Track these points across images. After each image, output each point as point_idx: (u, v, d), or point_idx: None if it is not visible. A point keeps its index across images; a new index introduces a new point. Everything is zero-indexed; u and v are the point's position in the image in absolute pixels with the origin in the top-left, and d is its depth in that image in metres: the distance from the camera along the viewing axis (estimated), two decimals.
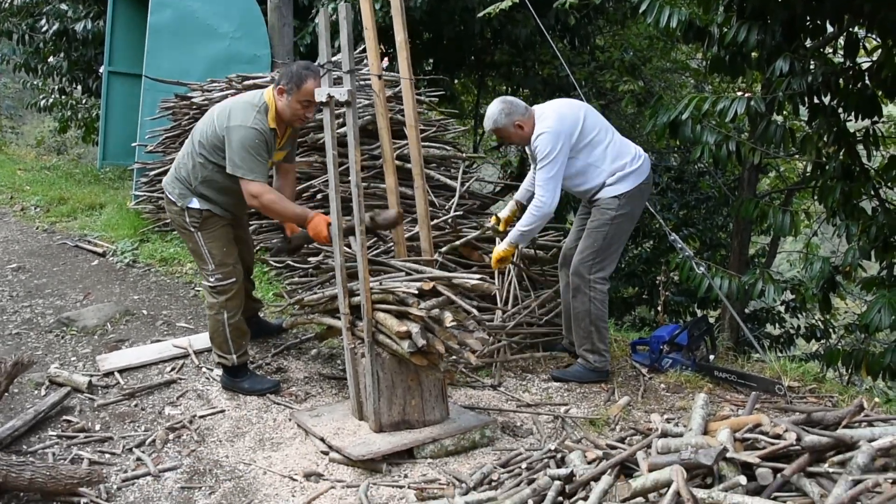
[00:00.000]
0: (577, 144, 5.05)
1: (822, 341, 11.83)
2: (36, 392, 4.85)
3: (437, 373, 4.14)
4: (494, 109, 5.10)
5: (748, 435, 3.25)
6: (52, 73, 14.60)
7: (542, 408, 4.81)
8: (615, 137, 5.23)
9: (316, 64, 4.44)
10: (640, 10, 7.21)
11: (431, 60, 12.74)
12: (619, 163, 5.12)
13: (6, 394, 4.55)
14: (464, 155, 7.26)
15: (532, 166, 5.32)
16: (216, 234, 4.78)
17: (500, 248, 5.26)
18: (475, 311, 4.19)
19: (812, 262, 6.93)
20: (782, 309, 12.20)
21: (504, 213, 5.66)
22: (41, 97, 15.76)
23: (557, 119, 5.01)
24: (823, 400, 5.01)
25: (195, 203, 4.72)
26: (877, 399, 4.65)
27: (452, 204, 6.58)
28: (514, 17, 9.95)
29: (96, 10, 12.84)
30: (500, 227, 5.62)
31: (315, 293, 4.88)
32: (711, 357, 5.59)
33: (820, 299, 7.05)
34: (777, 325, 12.51)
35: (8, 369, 4.40)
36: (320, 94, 4.16)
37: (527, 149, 5.29)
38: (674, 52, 13.78)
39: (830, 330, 11.81)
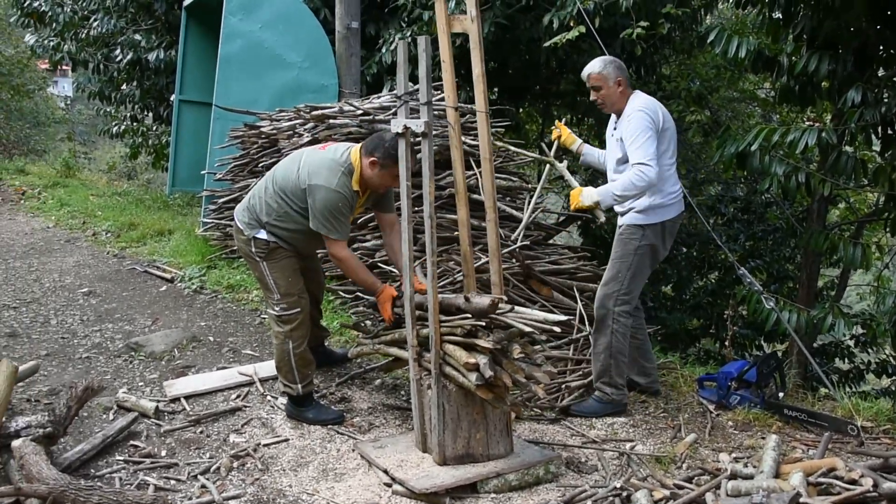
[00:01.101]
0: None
1: (893, 377, 11.54)
2: (104, 416, 4.92)
3: (504, 406, 4.11)
4: (606, 58, 5.11)
5: (822, 479, 3.18)
6: (125, 100, 14.94)
7: (608, 444, 4.75)
8: (674, 164, 5.16)
9: (393, 94, 4.48)
10: (709, 41, 7.17)
11: (497, 89, 12.78)
12: (660, 186, 5.00)
13: (76, 418, 4.62)
14: (530, 185, 7.24)
15: (612, 134, 5.24)
16: (281, 265, 4.84)
17: (586, 195, 4.94)
18: (543, 345, 4.15)
19: (884, 296, 6.78)
20: (852, 343, 11.92)
21: (570, 132, 5.63)
22: (113, 124, 16.14)
23: (655, 108, 4.97)
24: None
25: (262, 234, 4.79)
26: None
27: (519, 235, 6.55)
28: (580, 46, 9.92)
29: (169, 41, 13.14)
30: (563, 138, 5.59)
31: (388, 332, 4.89)
32: (781, 395, 5.47)
33: (892, 334, 6.89)
34: (846, 360, 12.23)
35: (79, 394, 4.48)
36: (397, 125, 4.18)
37: (611, 121, 5.25)
38: (741, 82, 13.64)
39: None
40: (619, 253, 5.11)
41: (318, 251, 5.33)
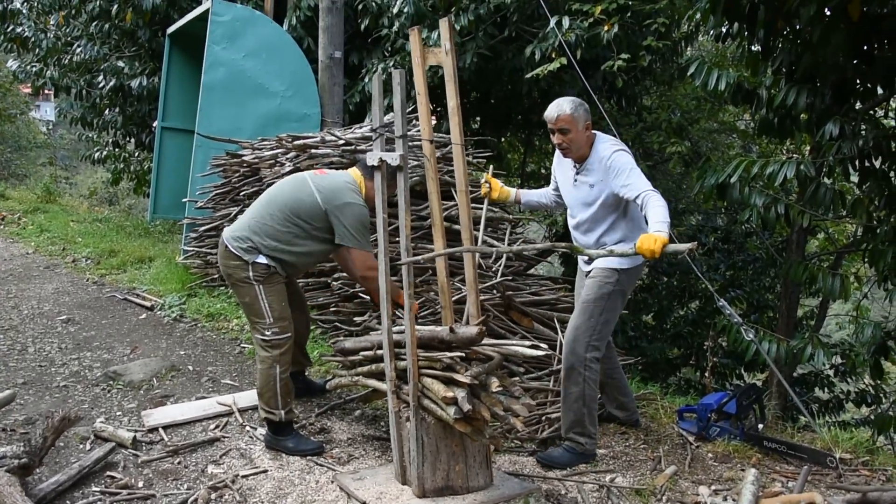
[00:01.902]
0: None
1: (872, 407, 11.59)
2: (81, 446, 4.87)
3: (483, 439, 4.10)
4: (575, 99, 4.82)
5: None
6: (107, 126, 14.98)
7: (587, 476, 4.74)
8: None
9: (367, 127, 4.52)
10: (689, 73, 7.25)
11: (479, 119, 12.86)
12: (639, 231, 4.79)
13: (52, 448, 4.58)
14: (510, 216, 7.27)
15: (558, 179, 5.13)
16: (276, 289, 4.88)
17: (662, 235, 4.16)
18: (522, 377, 4.14)
19: (863, 326, 6.83)
20: (831, 373, 11.99)
21: (502, 185, 5.43)
22: (95, 149, 16.18)
23: (628, 151, 4.79)
24: (877, 473, 4.88)
25: (262, 259, 4.81)
26: None
27: (500, 266, 6.56)
28: (562, 77, 10.01)
29: (152, 67, 13.18)
30: (493, 194, 5.39)
31: (358, 342, 4.88)
32: (760, 426, 5.48)
33: (871, 364, 6.93)
34: (826, 390, 12.29)
35: (55, 424, 4.44)
36: (372, 158, 4.20)
37: (567, 162, 5.01)
38: (721, 114, 13.78)
39: (882, 395, 11.58)
40: (593, 297, 4.88)
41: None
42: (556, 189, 5.27)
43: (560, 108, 4.78)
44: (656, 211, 4.35)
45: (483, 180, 5.49)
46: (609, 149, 4.75)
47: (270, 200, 4.95)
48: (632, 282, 4.99)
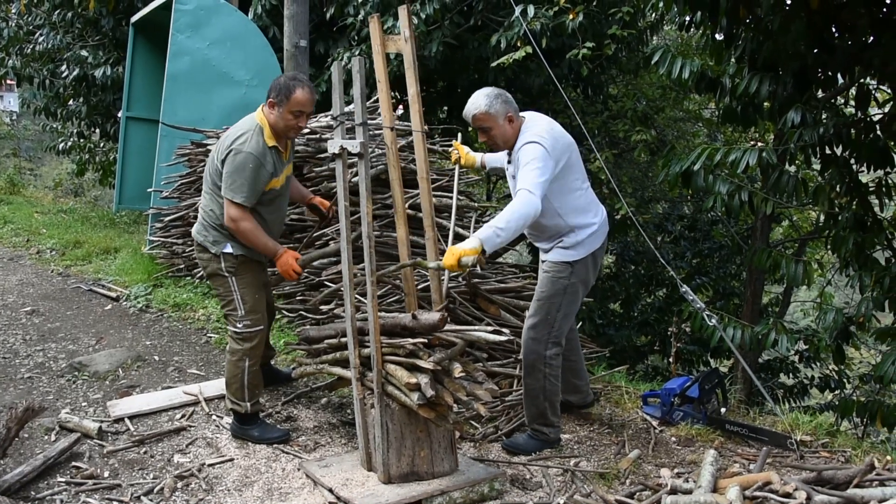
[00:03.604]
0: (557, 177, 4.47)
1: (836, 392, 11.76)
2: (46, 437, 4.85)
3: (447, 424, 4.12)
4: (490, 92, 4.53)
5: (758, 493, 3.24)
6: (72, 117, 14.84)
7: (552, 460, 4.78)
8: (587, 187, 4.76)
9: (330, 115, 4.50)
10: (653, 61, 7.30)
11: (446, 108, 12.87)
12: (581, 219, 4.65)
13: (16, 439, 4.56)
14: (476, 204, 7.28)
15: (508, 170, 4.77)
16: (249, 281, 4.83)
17: (464, 245, 3.97)
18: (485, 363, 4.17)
19: (826, 312, 6.92)
20: (796, 359, 12.15)
21: (468, 151, 5.30)
22: (60, 140, 16.02)
23: (552, 138, 4.45)
24: (836, 455, 4.96)
25: (229, 248, 4.76)
26: (889, 457, 4.59)
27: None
28: (528, 66, 10.06)
29: (116, 57, 13.07)
30: (462, 161, 5.25)
31: (322, 330, 4.88)
32: (723, 410, 5.55)
33: (833, 350, 7.02)
34: (791, 376, 12.47)
35: (19, 415, 4.42)
36: (333, 146, 4.20)
37: (501, 155, 4.91)
38: (686, 102, 13.90)
39: (845, 380, 11.75)
40: (548, 293, 4.69)
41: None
42: None
43: (476, 105, 4.53)
44: (498, 216, 4.14)
45: (451, 148, 5.44)
46: (522, 139, 4.48)
47: (203, 181, 4.91)
48: (590, 270, 4.76)
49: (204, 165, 7.95)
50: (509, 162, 4.68)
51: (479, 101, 4.52)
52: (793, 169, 6.84)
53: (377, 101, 6.67)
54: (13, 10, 14.96)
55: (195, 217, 5.79)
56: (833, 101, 7.25)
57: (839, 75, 6.99)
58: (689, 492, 3.55)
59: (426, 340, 4.03)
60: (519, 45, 8.79)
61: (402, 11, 4.26)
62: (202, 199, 4.93)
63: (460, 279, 6.21)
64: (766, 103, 7.07)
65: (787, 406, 11.43)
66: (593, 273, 4.84)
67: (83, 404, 5.42)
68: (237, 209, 4.57)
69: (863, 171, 6.87)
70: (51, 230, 11.16)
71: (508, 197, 5.36)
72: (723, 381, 5.70)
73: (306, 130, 6.98)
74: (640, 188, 13.37)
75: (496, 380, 5.56)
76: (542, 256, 4.87)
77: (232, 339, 4.87)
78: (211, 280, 4.99)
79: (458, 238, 5.86)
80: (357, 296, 4.37)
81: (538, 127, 4.52)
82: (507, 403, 5.41)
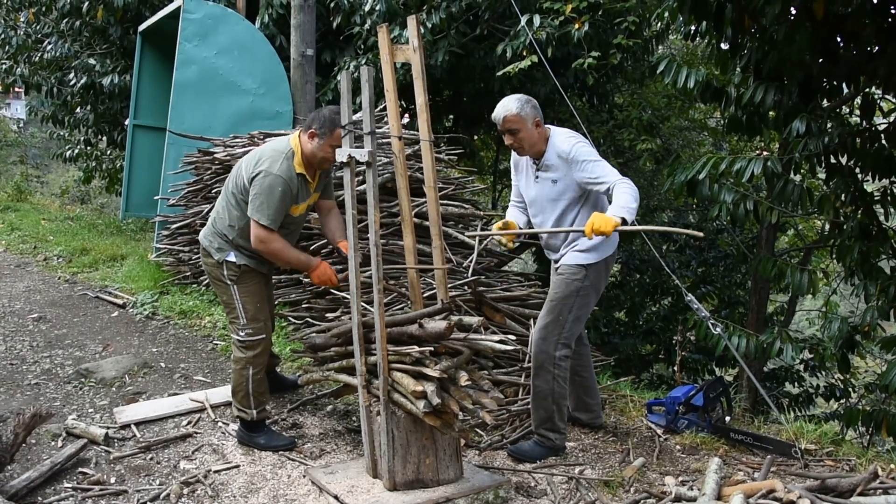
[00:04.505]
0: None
1: (841, 401, 11.74)
2: (53, 443, 4.86)
3: (452, 432, 4.14)
4: (521, 97, 4.71)
5: (761, 501, 3.25)
6: (79, 124, 14.88)
7: (557, 468, 4.79)
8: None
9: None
10: (658, 71, 7.31)
11: (452, 116, 12.91)
12: None
13: (23, 445, 4.58)
14: (481, 213, 7.31)
15: (518, 181, 5.01)
16: (251, 290, 4.85)
17: (607, 217, 4.19)
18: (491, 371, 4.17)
19: (831, 321, 6.91)
20: (801, 368, 12.13)
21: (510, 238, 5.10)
22: (67, 148, 16.07)
23: (585, 141, 4.70)
24: (841, 463, 4.96)
25: (232, 257, 4.79)
26: (893, 465, 4.59)
27: (471, 262, 6.59)
28: (534, 75, 10.08)
29: (123, 65, 13.13)
30: (509, 244, 5.01)
31: (324, 331, 4.90)
32: (728, 418, 5.56)
33: (839, 359, 7.01)
34: (796, 384, 12.44)
35: (26, 421, 4.43)
36: (341, 155, 4.22)
37: (524, 162, 4.95)
38: (692, 111, 13.91)
39: (850, 389, 11.73)
40: (561, 294, 4.79)
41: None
42: (518, 195, 5.12)
43: (506, 108, 4.68)
44: (619, 197, 4.34)
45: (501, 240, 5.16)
46: (567, 142, 4.67)
47: (224, 188, 4.92)
48: (602, 276, 4.88)
49: (210, 173, 8.04)
50: (539, 169, 4.81)
51: (511, 104, 4.67)
52: (798, 178, 6.82)
53: (383, 109, 6.71)
54: (22, 19, 15.01)
55: (202, 225, 5.83)
56: (838, 110, 7.25)
57: (844, 85, 6.99)
58: (693, 500, 3.55)
59: (432, 348, 4.05)
60: (525, 54, 8.82)
61: (412, 22, 4.28)
62: (217, 203, 4.96)
63: (466, 288, 6.23)
64: (771, 112, 7.07)
65: (792, 415, 11.39)
66: (604, 280, 4.95)
67: (90, 410, 5.44)
68: (264, 231, 4.60)
69: (868, 181, 6.87)
70: (58, 237, 11.20)
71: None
72: (727, 389, 5.71)
73: None
74: (645, 197, 13.38)
75: (502, 388, 5.57)
76: (554, 262, 4.96)
77: (235, 347, 4.90)
78: (215, 286, 5.03)
79: (466, 247, 5.89)
80: (363, 303, 4.38)
81: (570, 133, 4.75)
82: (512, 412, 5.43)
